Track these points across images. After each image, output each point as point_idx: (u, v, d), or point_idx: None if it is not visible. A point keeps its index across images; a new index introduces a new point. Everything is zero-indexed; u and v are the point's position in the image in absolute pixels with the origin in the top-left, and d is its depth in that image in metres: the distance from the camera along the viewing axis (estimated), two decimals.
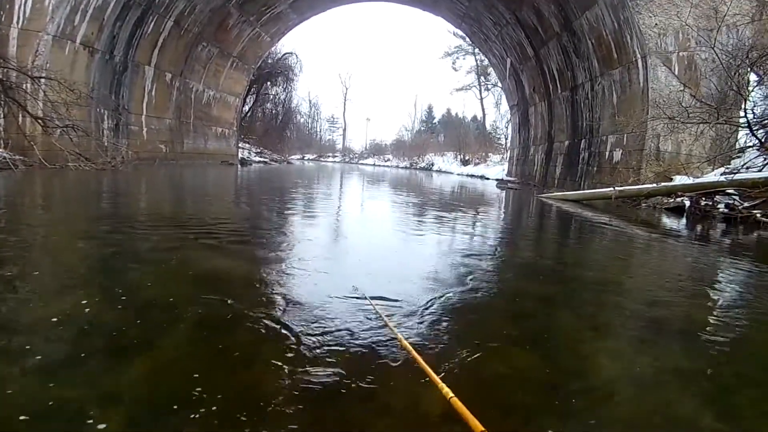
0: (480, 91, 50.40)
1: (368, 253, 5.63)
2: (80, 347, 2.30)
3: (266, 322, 2.82)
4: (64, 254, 4.73)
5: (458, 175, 33.53)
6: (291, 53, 40.56)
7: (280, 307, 3.19)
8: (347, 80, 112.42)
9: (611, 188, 12.66)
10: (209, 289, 3.44)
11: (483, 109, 51.01)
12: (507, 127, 39.33)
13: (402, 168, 45.03)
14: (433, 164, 42.75)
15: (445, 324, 2.97)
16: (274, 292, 3.66)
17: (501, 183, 22.68)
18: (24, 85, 14.20)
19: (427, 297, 3.58)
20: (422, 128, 70.73)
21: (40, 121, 14.56)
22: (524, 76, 22.86)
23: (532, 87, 22.02)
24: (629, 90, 14.43)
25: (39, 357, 2.19)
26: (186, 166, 22.47)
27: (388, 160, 54.63)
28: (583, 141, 16.94)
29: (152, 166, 19.88)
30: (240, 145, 32.75)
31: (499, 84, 34.20)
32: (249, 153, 35.17)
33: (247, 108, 37.13)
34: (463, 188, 20.49)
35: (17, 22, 14.08)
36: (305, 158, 57.73)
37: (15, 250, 4.75)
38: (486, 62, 38.44)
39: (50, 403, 1.77)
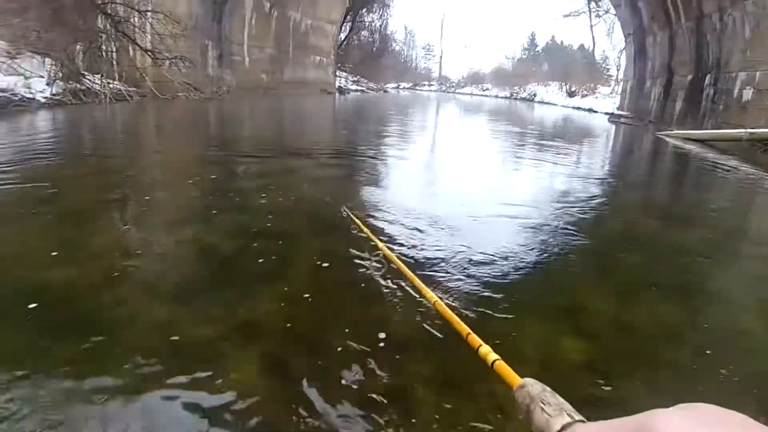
0: (590, 17, 44.91)
1: (457, 193, 5.10)
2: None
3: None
4: (186, 181, 4.64)
5: (563, 107, 30.53)
6: None
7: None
8: (444, 6, 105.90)
9: (742, 129, 10.78)
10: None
11: (593, 38, 45.42)
12: (619, 58, 34.55)
13: (502, 98, 42.15)
14: (535, 95, 39.48)
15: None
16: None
17: (613, 117, 20.37)
18: (132, 19, 14.17)
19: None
20: (524, 56, 65.78)
21: (149, 53, 14.60)
22: (642, 2, 19.88)
23: (651, 15, 19.09)
24: (764, 23, 11.94)
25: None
26: (287, 95, 22.25)
27: (487, 89, 51.21)
28: (708, 76, 14.47)
29: (255, 96, 19.78)
30: (337, 73, 32.07)
31: (613, 10, 30.23)
32: (346, 81, 34.44)
33: (343, 36, 36.05)
34: (568, 121, 18.67)
35: None
36: (400, 87, 55.73)
37: (142, 176, 4.77)
38: None
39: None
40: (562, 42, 64.35)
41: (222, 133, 8.93)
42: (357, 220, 3.05)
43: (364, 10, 38.09)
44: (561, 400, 0.39)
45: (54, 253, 2.48)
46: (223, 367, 1.62)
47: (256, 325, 1.91)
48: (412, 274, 1.60)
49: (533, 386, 0.40)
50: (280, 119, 12.47)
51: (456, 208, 3.72)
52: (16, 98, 10.54)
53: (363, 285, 2.30)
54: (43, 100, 11.21)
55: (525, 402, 0.37)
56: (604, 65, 42.87)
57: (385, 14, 40.43)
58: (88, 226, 3.03)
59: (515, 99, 40.44)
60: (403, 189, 4.59)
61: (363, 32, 40.52)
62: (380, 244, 2.34)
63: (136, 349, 1.66)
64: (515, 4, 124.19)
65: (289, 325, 1.90)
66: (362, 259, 2.59)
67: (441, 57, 66.79)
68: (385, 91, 39.25)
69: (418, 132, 10.97)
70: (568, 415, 0.34)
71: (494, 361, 0.67)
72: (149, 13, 14.35)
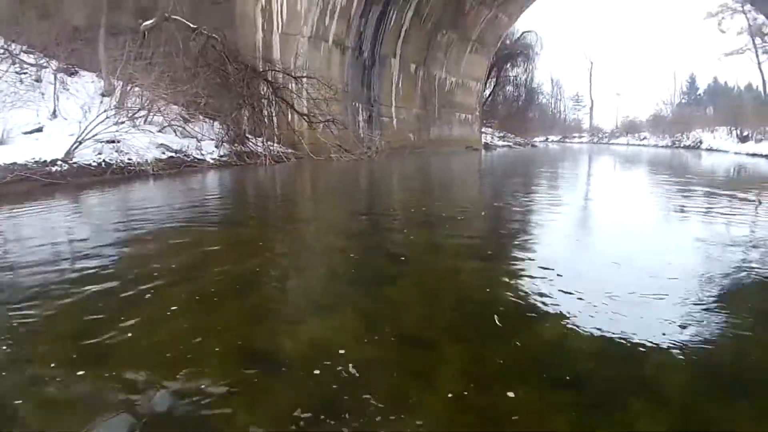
0: (756, 54, 39.48)
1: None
2: None
3: None
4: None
5: (735, 154, 25.62)
6: (530, 31, 37.30)
7: None
8: (592, 55, 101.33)
9: None
10: None
11: (762, 76, 39.46)
12: None
13: (662, 147, 37.71)
14: (701, 142, 34.65)
15: None
16: None
17: None
18: (289, 85, 14.97)
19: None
20: (684, 101, 59.83)
21: (305, 117, 15.21)
22: None
23: None
24: None
25: None
26: (433, 153, 21.83)
27: (645, 138, 46.41)
28: None
29: (403, 155, 19.63)
30: (483, 129, 31.42)
31: None
32: (492, 137, 33.53)
33: (487, 92, 35.54)
34: (743, 171, 15.20)
35: (278, 28, 14.82)
36: (549, 140, 52.84)
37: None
38: (761, 20, 29.92)
39: None
40: (726, 83, 57.69)
41: (374, 198, 8.35)
42: None
43: (509, 64, 37.42)
44: None
45: None
46: None
47: None
48: None
49: None
50: (427, 179, 11.77)
51: None
52: (189, 159, 11.30)
53: None
54: (211, 161, 11.91)
55: None
56: None
57: (531, 67, 39.27)
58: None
59: (678, 147, 35.89)
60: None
61: (508, 87, 39.62)
62: None
63: None
64: (669, 48, 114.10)
65: None
66: None
67: (591, 107, 62.98)
68: (533, 146, 37.44)
69: (572, 188, 9.62)
70: None
71: None
72: (305, 79, 15.08)
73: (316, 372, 1.85)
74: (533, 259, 3.50)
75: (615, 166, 17.09)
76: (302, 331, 2.28)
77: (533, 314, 2.46)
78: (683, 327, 2.28)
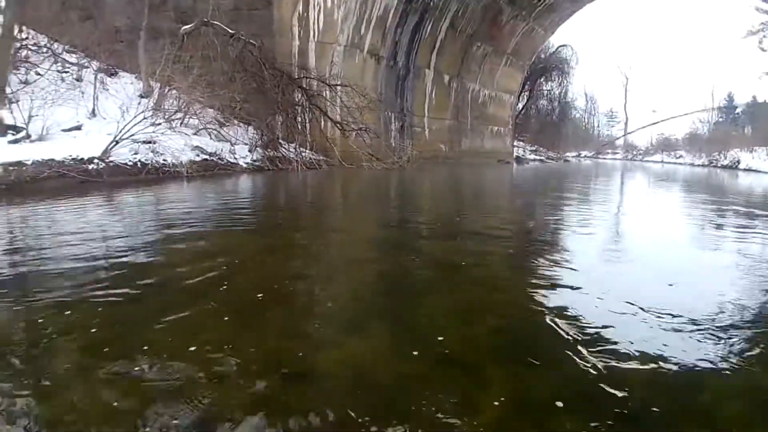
0: None
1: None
2: None
3: None
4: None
5: None
6: (565, 45, 36.67)
7: None
8: (628, 70, 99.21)
9: None
10: None
11: None
12: None
13: (698, 166, 36.59)
14: (738, 161, 33.44)
15: None
16: None
17: None
18: (323, 93, 14.98)
19: None
20: (721, 119, 58.15)
21: (338, 124, 15.18)
22: None
23: None
24: None
25: None
26: (464, 165, 21.57)
27: (680, 156, 45.17)
28: None
29: (434, 166, 19.40)
30: (515, 143, 31.02)
31: None
32: (524, 151, 33.04)
33: (521, 105, 35.13)
34: None
35: (313, 36, 14.89)
36: (581, 155, 52.04)
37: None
38: None
39: None
40: (765, 101, 55.95)
41: (405, 207, 8.14)
42: None
43: (543, 78, 36.88)
44: None
45: None
46: None
47: None
48: None
49: None
50: (460, 191, 11.51)
51: None
52: (222, 162, 11.38)
53: None
54: (244, 165, 11.98)
55: None
56: None
57: (565, 82, 38.54)
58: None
59: (715, 167, 34.66)
60: None
61: (541, 101, 39.04)
62: None
63: None
64: (706, 65, 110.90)
65: None
66: None
67: (626, 123, 61.61)
68: (566, 161, 36.76)
69: (611, 205, 9.25)
70: None
71: None
72: (339, 88, 15.07)
73: (349, 388, 1.68)
74: (579, 279, 3.24)
75: (652, 184, 16.52)
76: (332, 346, 2.10)
77: (582, 336, 2.22)
78: (744, 352, 2.03)
